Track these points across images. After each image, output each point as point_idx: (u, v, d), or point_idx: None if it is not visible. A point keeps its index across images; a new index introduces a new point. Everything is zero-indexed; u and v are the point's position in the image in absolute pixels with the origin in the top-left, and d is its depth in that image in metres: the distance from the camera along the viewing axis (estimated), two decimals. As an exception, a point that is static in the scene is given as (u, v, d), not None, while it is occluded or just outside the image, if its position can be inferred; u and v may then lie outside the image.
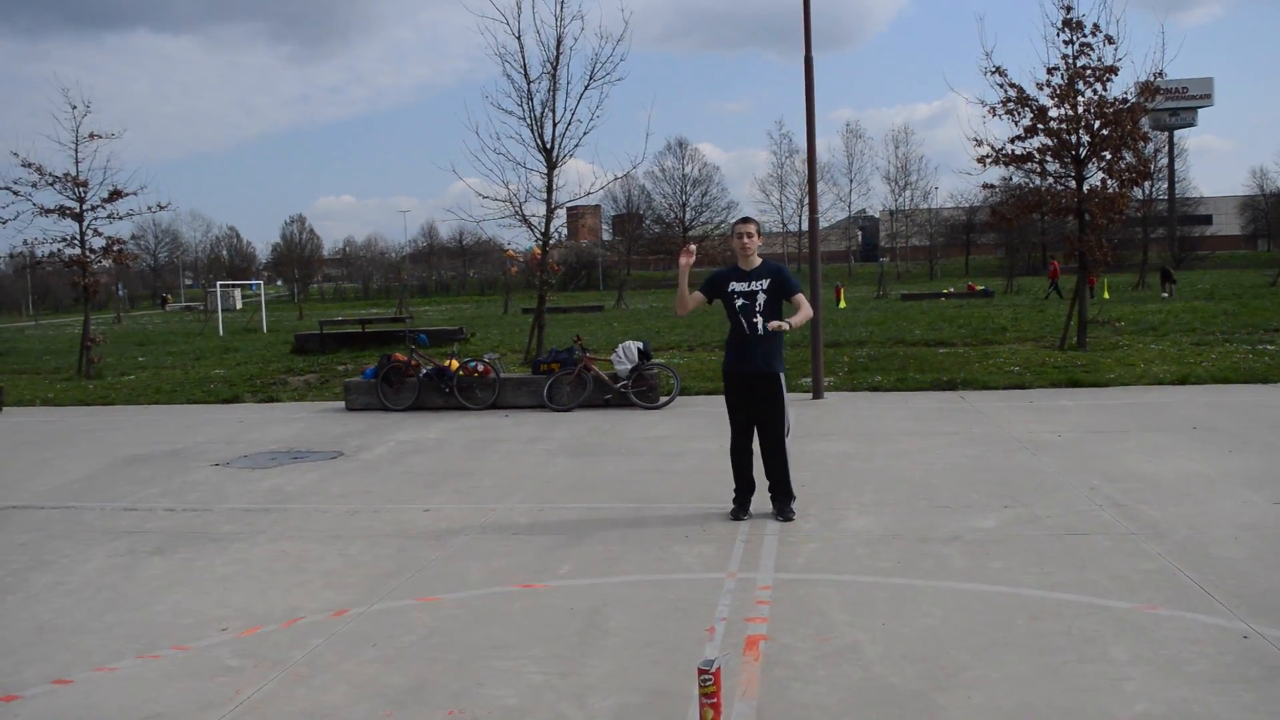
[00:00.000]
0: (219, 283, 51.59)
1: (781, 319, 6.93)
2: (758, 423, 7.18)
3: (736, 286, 7.06)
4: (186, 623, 5.42)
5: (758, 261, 7.14)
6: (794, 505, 7.18)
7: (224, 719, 4.14)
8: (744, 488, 7.27)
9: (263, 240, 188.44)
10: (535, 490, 8.48)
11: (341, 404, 15.12)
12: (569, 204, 19.76)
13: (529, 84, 17.69)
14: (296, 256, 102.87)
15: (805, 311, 7.04)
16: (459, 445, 11.05)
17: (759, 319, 6.98)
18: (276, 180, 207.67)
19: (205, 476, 9.70)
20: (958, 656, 4.49)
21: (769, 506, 7.22)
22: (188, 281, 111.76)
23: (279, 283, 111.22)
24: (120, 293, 77.60)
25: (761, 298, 7.01)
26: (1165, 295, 36.50)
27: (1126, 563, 5.80)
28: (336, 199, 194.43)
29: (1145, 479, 7.97)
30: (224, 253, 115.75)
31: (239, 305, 74.92)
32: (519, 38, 17.57)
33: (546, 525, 7.25)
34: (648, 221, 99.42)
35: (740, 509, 7.21)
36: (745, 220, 7.23)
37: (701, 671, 3.71)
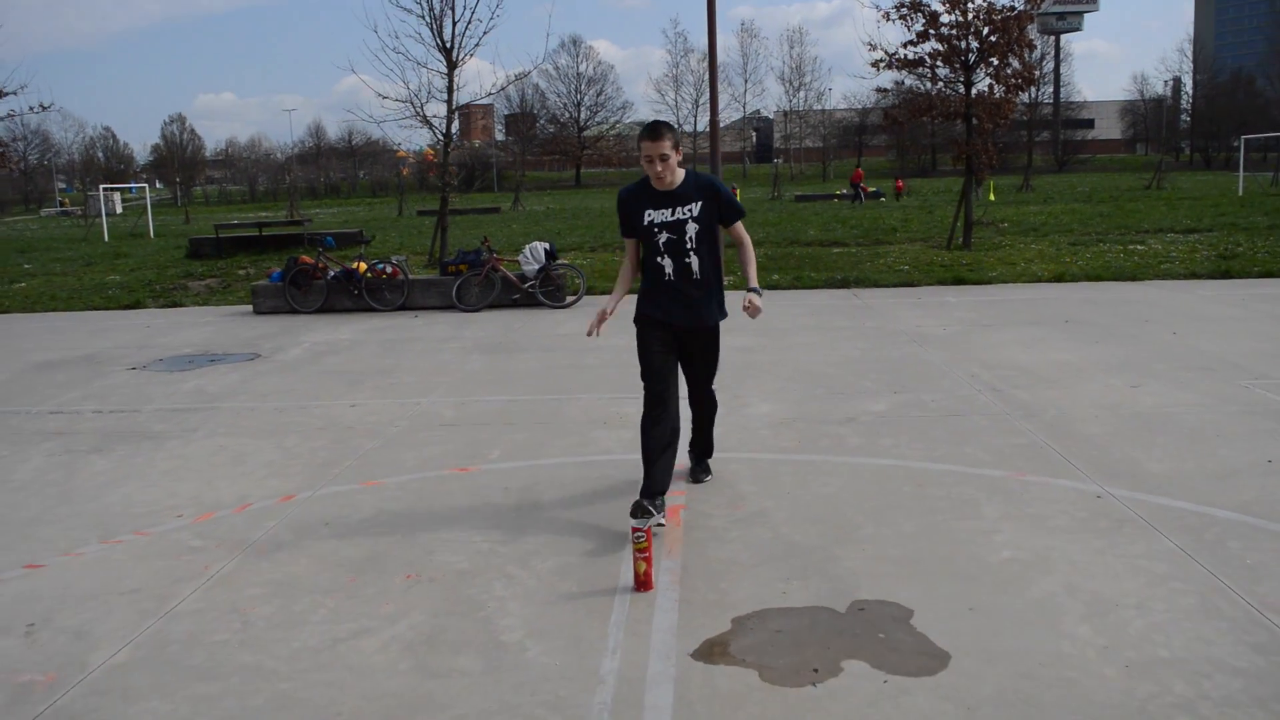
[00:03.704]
0: (101, 186, 49.75)
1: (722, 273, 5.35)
2: (687, 375, 5.48)
3: (654, 216, 5.07)
4: (140, 511, 5.75)
5: (680, 176, 5.10)
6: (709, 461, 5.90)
7: (199, 590, 4.54)
8: (662, 473, 5.05)
9: (140, 141, 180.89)
10: (456, 385, 8.89)
11: (249, 308, 15.19)
12: (471, 104, 19.75)
13: (429, -18, 17.57)
14: (178, 158, 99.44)
15: (749, 243, 5.32)
16: (374, 345, 11.35)
17: (693, 259, 5.08)
18: (151, 77, 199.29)
19: (124, 380, 9.85)
20: (853, 518, 5.12)
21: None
22: (61, 185, 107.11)
23: (158, 185, 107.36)
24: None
25: (692, 228, 5.05)
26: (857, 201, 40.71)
27: (1000, 439, 6.50)
28: (216, 97, 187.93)
29: (1020, 367, 8.71)
30: (99, 154, 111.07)
31: (119, 210, 72.23)
32: (417, -67, 17.39)
33: (471, 416, 7.69)
34: (542, 121, 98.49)
35: (654, 504, 4.93)
36: (656, 134, 4.94)
37: (635, 530, 4.25)
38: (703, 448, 5.85)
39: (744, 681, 3.53)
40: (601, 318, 5.22)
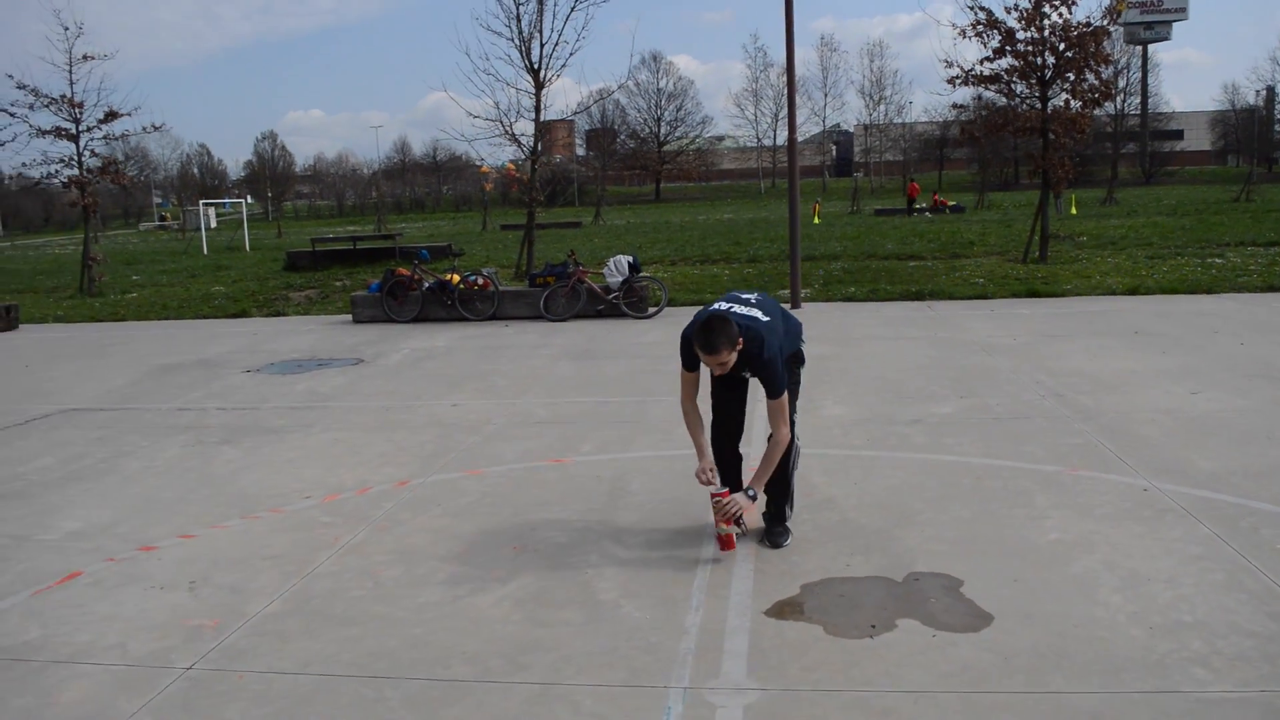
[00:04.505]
0: (201, 201, 51.81)
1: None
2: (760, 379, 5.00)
3: None
4: (272, 493, 6.45)
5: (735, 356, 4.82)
6: (790, 513, 5.26)
7: (333, 556, 5.21)
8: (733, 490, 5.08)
9: (232, 158, 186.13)
10: (548, 387, 9.53)
11: (348, 317, 16.05)
12: (557, 120, 20.54)
13: (517, 6, 18.37)
14: (270, 174, 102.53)
15: (776, 445, 4.91)
16: (469, 351, 12.07)
17: None
18: (242, 95, 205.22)
19: (240, 382, 10.67)
20: (914, 505, 5.62)
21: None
22: (158, 200, 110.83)
23: (248, 200, 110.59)
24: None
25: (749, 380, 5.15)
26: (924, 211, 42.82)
27: (1058, 439, 6.92)
28: (305, 114, 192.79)
29: (1086, 375, 9.08)
30: (195, 170, 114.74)
31: (213, 224, 74.73)
32: (507, -40, 18.24)
33: (563, 415, 8.31)
34: (622, 136, 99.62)
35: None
36: (713, 349, 4.71)
37: (714, 496, 4.82)
38: (777, 506, 5.20)
39: (810, 634, 4.07)
40: (706, 469, 4.97)
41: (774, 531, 5.17)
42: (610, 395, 9.09)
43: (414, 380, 10.30)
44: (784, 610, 4.31)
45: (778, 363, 4.88)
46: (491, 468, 6.80)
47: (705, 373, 5.06)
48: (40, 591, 4.94)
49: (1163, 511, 5.36)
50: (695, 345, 4.79)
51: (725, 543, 4.89)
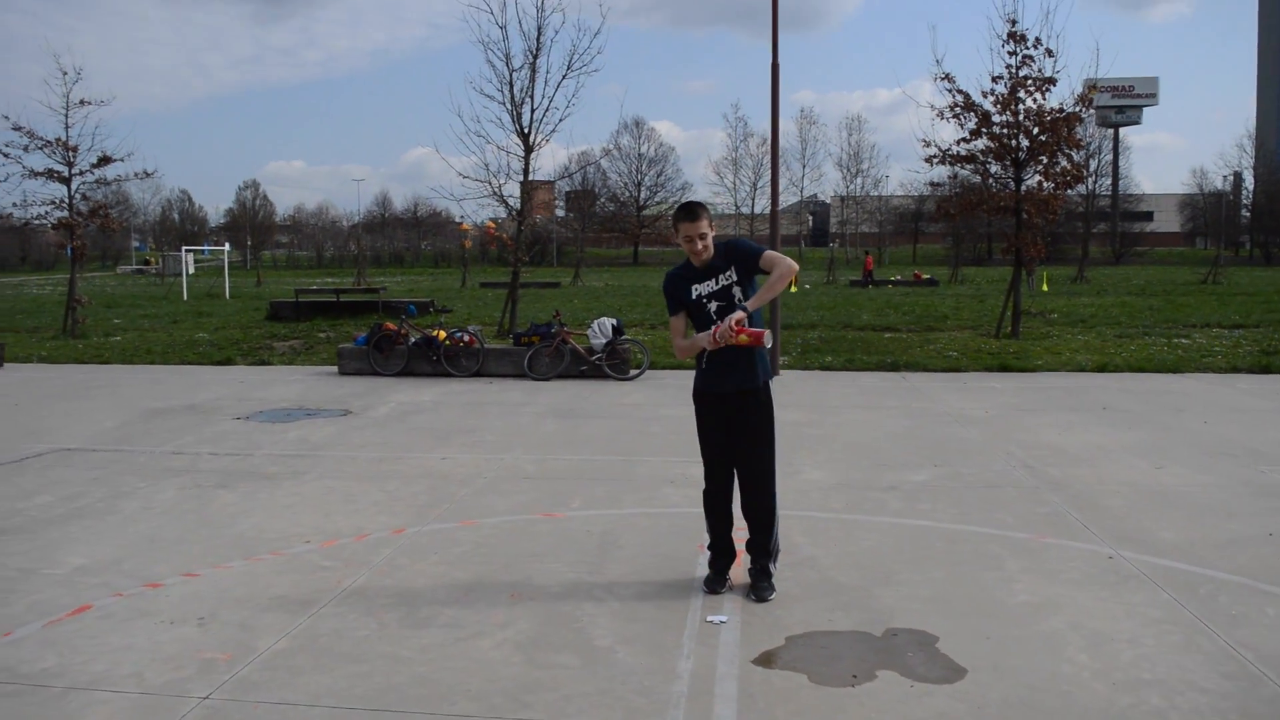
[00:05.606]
0: (184, 248, 52.01)
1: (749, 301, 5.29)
2: (739, 455, 5.50)
3: (701, 289, 5.38)
4: (272, 537, 6.66)
5: (714, 249, 5.40)
6: (774, 569, 5.53)
7: (335, 599, 5.42)
8: (722, 551, 5.63)
9: (212, 204, 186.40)
10: (534, 444, 9.78)
11: (333, 368, 16.28)
12: (544, 182, 20.99)
13: (511, 73, 18.87)
14: (251, 222, 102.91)
15: (783, 266, 5.26)
16: (455, 406, 12.31)
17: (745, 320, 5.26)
18: (225, 143, 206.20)
19: (231, 428, 10.86)
20: (891, 566, 5.90)
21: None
22: (136, 244, 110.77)
23: (227, 247, 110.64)
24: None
25: (737, 291, 5.32)
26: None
27: (1028, 508, 7.24)
28: (287, 164, 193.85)
29: (1055, 448, 9.43)
30: (175, 216, 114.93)
31: (191, 269, 74.82)
32: (503, 28, 18.77)
33: (551, 471, 8.56)
34: (602, 199, 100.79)
35: (718, 578, 5.55)
36: (694, 216, 5.34)
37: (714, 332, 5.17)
38: (761, 564, 5.50)
39: (795, 681, 4.33)
40: (711, 332, 5.22)
41: (759, 586, 5.45)
42: (596, 454, 9.35)
43: (403, 433, 10.53)
44: (770, 659, 4.56)
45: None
46: (485, 519, 7.03)
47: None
48: (53, 623, 5.13)
49: (1126, 578, 5.67)
50: (676, 219, 5.46)
51: (755, 338, 5.14)
